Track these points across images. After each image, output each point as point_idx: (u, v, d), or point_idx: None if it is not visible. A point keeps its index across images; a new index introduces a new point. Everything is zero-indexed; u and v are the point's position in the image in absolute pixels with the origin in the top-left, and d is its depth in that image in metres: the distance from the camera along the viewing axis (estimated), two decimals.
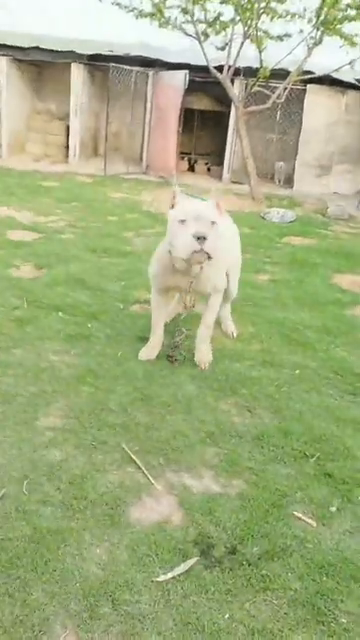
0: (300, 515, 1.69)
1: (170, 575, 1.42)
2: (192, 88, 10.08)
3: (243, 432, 2.11)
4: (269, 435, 2.09)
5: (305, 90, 10.00)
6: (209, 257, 2.20)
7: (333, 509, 1.73)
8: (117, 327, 3.00)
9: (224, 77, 7.96)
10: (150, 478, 1.80)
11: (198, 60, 9.00)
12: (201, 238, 2.14)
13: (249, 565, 1.48)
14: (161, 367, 2.58)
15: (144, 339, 2.81)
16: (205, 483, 1.82)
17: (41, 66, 11.69)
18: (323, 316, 3.56)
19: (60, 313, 3.13)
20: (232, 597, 1.38)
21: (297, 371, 2.71)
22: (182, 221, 2.21)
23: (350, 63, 7.65)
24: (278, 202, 8.32)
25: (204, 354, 2.66)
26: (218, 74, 8.00)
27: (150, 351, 2.68)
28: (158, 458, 1.91)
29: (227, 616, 1.33)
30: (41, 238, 4.90)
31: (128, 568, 1.44)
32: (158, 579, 1.41)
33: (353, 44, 7.46)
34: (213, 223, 2.23)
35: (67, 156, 10.97)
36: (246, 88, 8.72)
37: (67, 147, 11.04)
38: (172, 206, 2.34)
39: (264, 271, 4.55)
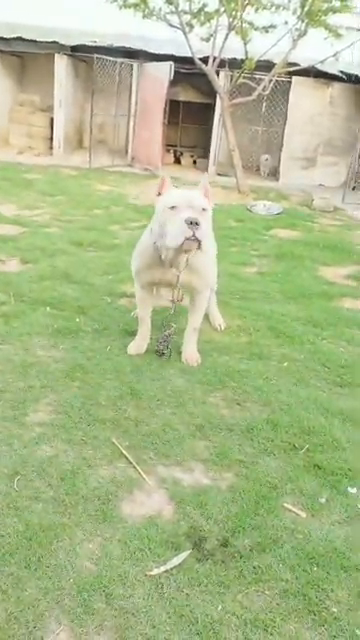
0: (290, 507, 1.71)
1: (163, 569, 1.42)
2: (177, 80, 9.99)
3: (232, 425, 2.12)
4: (258, 428, 2.10)
5: (290, 82, 9.99)
6: (199, 245, 2.16)
7: (322, 500, 1.75)
8: (105, 321, 2.98)
9: (209, 68, 7.91)
10: (141, 473, 1.80)
11: (183, 51, 8.92)
12: (194, 223, 2.09)
13: (241, 557, 1.49)
14: (150, 361, 2.58)
15: (132, 333, 2.80)
16: (196, 476, 1.82)
17: (23, 57, 11.46)
18: (310, 308, 3.59)
19: (47, 308, 3.10)
20: (225, 589, 1.40)
21: (285, 363, 2.73)
22: (173, 207, 2.16)
23: (335, 55, 7.66)
24: (264, 194, 8.34)
25: (191, 354, 2.64)
26: (203, 65, 7.95)
27: (138, 345, 2.67)
28: (148, 452, 1.91)
29: (220, 608, 1.34)
30: (26, 232, 4.83)
31: (121, 562, 1.44)
32: (151, 573, 1.41)
33: (338, 36, 7.47)
34: (204, 210, 2.20)
35: (51, 148, 10.81)
36: (231, 80, 8.68)
37: (51, 139, 10.87)
38: (159, 194, 2.31)
39: (251, 264, 4.56)
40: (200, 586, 1.40)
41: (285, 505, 1.71)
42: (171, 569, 1.43)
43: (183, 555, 1.47)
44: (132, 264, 2.62)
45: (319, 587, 1.43)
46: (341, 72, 9.87)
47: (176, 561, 1.45)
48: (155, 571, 1.41)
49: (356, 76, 9.97)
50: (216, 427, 2.10)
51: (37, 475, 1.73)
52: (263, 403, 2.31)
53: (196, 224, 2.09)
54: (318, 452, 2.00)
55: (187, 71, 10.10)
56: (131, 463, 1.84)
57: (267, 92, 8.25)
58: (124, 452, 1.89)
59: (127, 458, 1.86)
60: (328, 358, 2.83)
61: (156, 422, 2.09)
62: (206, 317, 3.17)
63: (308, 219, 6.89)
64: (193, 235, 2.11)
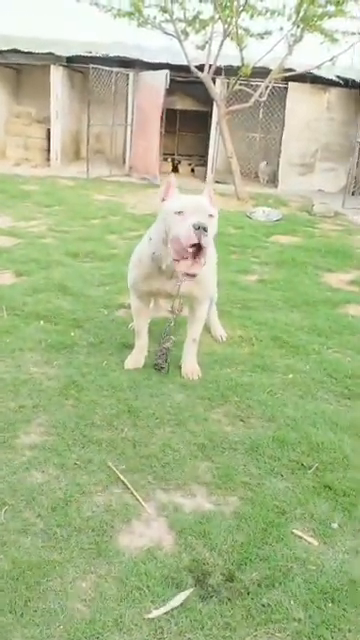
0: (300, 533, 1.58)
1: (163, 610, 1.29)
2: (174, 88, 9.98)
3: (236, 443, 2.00)
4: (264, 446, 1.98)
5: (287, 88, 9.96)
6: (204, 253, 2.01)
7: (335, 525, 1.62)
8: (101, 334, 2.87)
9: (205, 75, 7.87)
10: (139, 499, 1.67)
11: (178, 60, 8.91)
12: (201, 229, 1.97)
13: (248, 594, 1.36)
14: (148, 376, 2.46)
15: (130, 346, 2.69)
16: (198, 502, 1.70)
17: (19, 69, 11.49)
18: (314, 316, 3.47)
19: (41, 322, 2.99)
20: (231, 632, 1.26)
21: (290, 375, 2.61)
22: (179, 212, 2.04)
23: (331, 59, 7.62)
24: (263, 201, 8.26)
25: (192, 368, 2.52)
26: (199, 72, 7.91)
27: (136, 359, 2.56)
28: (147, 476, 1.79)
29: None
30: (21, 243, 4.74)
31: (117, 604, 1.31)
32: (150, 615, 1.28)
33: (333, 40, 7.43)
34: (211, 216, 2.08)
35: (48, 160, 10.79)
36: (228, 87, 8.65)
37: (48, 151, 10.85)
38: (163, 199, 2.20)
39: (252, 271, 4.45)
40: (204, 629, 1.27)
41: (295, 532, 1.58)
42: (172, 610, 1.30)
43: (185, 594, 1.34)
44: (129, 275, 2.51)
45: (335, 627, 1.29)
46: (338, 77, 9.84)
47: (177, 601, 1.32)
48: (154, 613, 1.28)
49: (353, 81, 9.94)
50: (219, 446, 1.97)
51: (26, 505, 1.61)
52: (268, 418, 2.19)
53: (204, 229, 1.97)
54: (328, 471, 1.87)
55: (183, 79, 10.09)
56: (128, 489, 1.72)
57: (264, 98, 8.20)
58: (121, 476, 1.76)
59: (124, 483, 1.74)
60: (335, 368, 2.71)
61: (155, 442, 1.96)
62: (206, 328, 3.06)
63: (309, 225, 6.79)
64: (199, 241, 1.97)
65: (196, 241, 1.97)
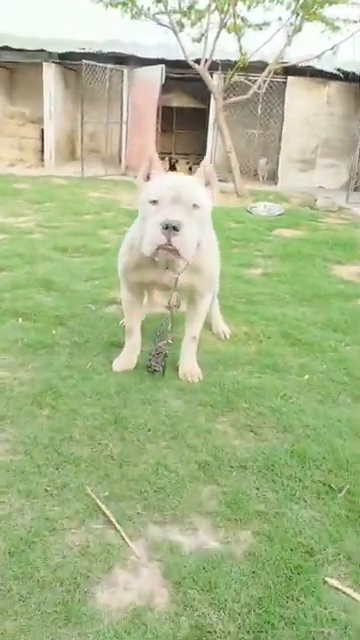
0: (336, 583, 1.21)
1: None
2: (170, 86, 9.67)
3: (247, 461, 1.62)
4: (281, 463, 1.61)
5: (286, 83, 9.66)
6: (178, 255, 1.68)
7: None
8: (87, 333, 2.50)
9: (202, 68, 7.56)
10: (125, 537, 1.30)
11: (174, 56, 8.61)
12: (170, 228, 1.62)
13: None
14: (140, 379, 2.09)
15: (119, 345, 2.32)
16: (200, 539, 1.32)
17: (12, 69, 11.22)
18: (327, 310, 3.11)
19: (19, 319, 2.62)
20: None
21: (305, 376, 2.24)
22: (154, 202, 1.69)
23: (332, 48, 7.31)
24: (264, 197, 7.92)
25: (191, 368, 2.15)
26: (195, 65, 7.60)
27: (126, 360, 2.19)
28: (135, 505, 1.41)
29: None
30: (6, 239, 4.38)
31: None
32: None
33: (335, 28, 7.12)
34: (195, 207, 1.71)
35: (43, 160, 10.48)
36: (225, 81, 8.32)
37: (42, 151, 10.56)
38: (147, 178, 1.83)
39: (256, 265, 4.10)
40: None
41: (328, 581, 1.21)
42: None
43: None
44: (119, 262, 2.15)
45: None
46: (338, 70, 9.53)
47: None
48: None
49: (353, 74, 9.63)
50: (225, 465, 1.60)
51: None
52: (283, 428, 1.82)
53: (174, 229, 1.61)
54: None
55: (180, 76, 9.79)
56: (111, 523, 1.34)
57: (262, 91, 7.88)
58: (102, 506, 1.39)
59: (106, 515, 1.36)
60: (356, 367, 2.34)
61: (146, 461, 1.59)
62: (207, 324, 2.69)
63: (312, 219, 6.45)
64: (168, 243, 1.64)
65: (163, 242, 1.63)
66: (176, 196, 1.67)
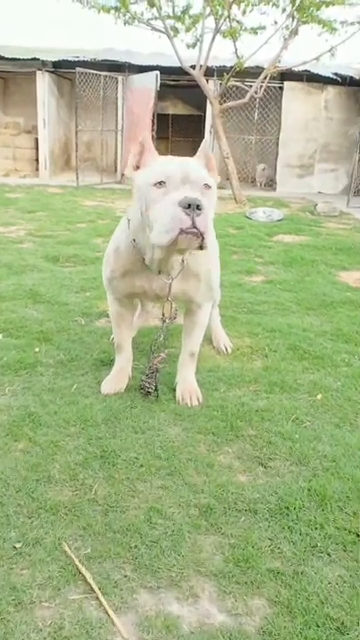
0: None
1: None
2: (165, 93, 9.56)
3: (256, 502, 1.37)
4: (297, 505, 1.35)
5: (282, 88, 9.54)
6: (202, 240, 1.40)
7: None
8: (74, 350, 2.26)
9: (197, 73, 7.40)
10: (109, 611, 1.05)
11: (169, 63, 8.48)
12: (193, 207, 1.35)
13: None
14: (131, 403, 1.84)
15: (109, 364, 2.08)
16: (203, 610, 1.07)
17: (6, 78, 11.11)
18: (335, 320, 2.87)
19: (0, 336, 2.38)
20: None
21: (318, 396, 1.99)
22: (160, 183, 1.42)
23: (330, 50, 7.15)
24: (262, 203, 7.74)
25: (189, 389, 1.90)
26: (191, 70, 7.44)
27: (116, 381, 1.94)
28: (123, 566, 1.16)
29: None
30: None
31: None
32: None
33: (333, 30, 6.97)
34: (206, 187, 1.45)
35: (38, 170, 10.34)
36: (221, 85, 8.18)
37: (37, 160, 10.42)
38: (137, 167, 1.57)
39: (257, 272, 3.87)
40: None
41: None
42: None
43: None
44: (103, 271, 1.91)
45: None
46: (335, 74, 9.41)
47: None
48: None
49: (351, 78, 9.51)
50: (232, 508, 1.35)
51: None
52: (298, 460, 1.57)
53: (197, 207, 1.35)
54: None
55: (175, 83, 9.66)
56: (92, 591, 1.09)
57: (259, 95, 7.72)
58: (82, 570, 1.14)
59: (87, 581, 1.11)
60: None
61: (137, 505, 1.34)
62: (206, 337, 2.45)
63: (313, 224, 6.24)
64: (192, 226, 1.36)
65: (188, 225, 1.36)
66: (186, 176, 1.42)
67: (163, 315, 1.88)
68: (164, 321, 1.89)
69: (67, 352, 2.22)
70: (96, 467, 1.48)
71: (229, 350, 2.38)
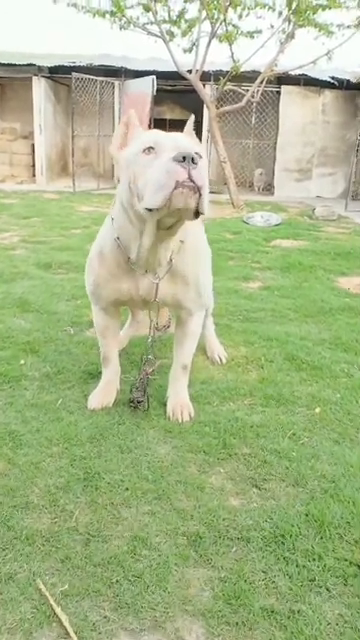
0: None
1: None
2: (162, 98, 9.51)
3: (250, 530, 1.27)
4: (293, 532, 1.26)
5: (279, 92, 9.50)
6: (200, 198, 1.28)
7: None
8: (61, 361, 2.16)
9: (194, 76, 7.35)
10: None
11: (165, 67, 8.44)
12: (188, 159, 1.25)
13: None
14: (119, 419, 1.75)
15: (98, 376, 1.99)
16: None
17: (3, 84, 11.08)
18: (334, 328, 2.78)
19: None
20: None
21: (317, 409, 1.90)
22: (149, 149, 1.34)
23: (327, 54, 7.11)
24: (260, 208, 7.66)
25: (181, 404, 1.80)
26: (187, 75, 7.39)
27: (104, 395, 1.85)
28: (103, 604, 1.06)
29: None
30: None
31: None
32: None
33: (329, 33, 6.93)
34: (198, 155, 1.33)
35: (35, 175, 10.29)
36: (217, 89, 8.13)
37: (34, 166, 10.36)
38: (122, 147, 1.47)
39: (253, 278, 3.78)
40: None
41: None
42: None
43: None
44: (87, 277, 1.81)
45: None
46: (332, 78, 9.37)
47: None
48: None
49: (348, 81, 9.47)
50: (223, 536, 1.25)
51: None
52: (294, 481, 1.47)
53: (192, 161, 1.25)
54: None
55: (171, 87, 9.62)
56: (68, 635, 0.99)
57: (256, 99, 7.67)
58: (57, 610, 1.03)
59: (62, 623, 1.01)
60: None
61: (121, 534, 1.24)
62: (200, 347, 2.36)
63: (312, 228, 6.17)
64: (189, 178, 1.25)
65: (184, 177, 1.25)
66: (176, 143, 1.32)
67: (156, 323, 1.79)
68: (157, 329, 1.80)
69: (54, 364, 2.13)
70: (78, 491, 1.38)
71: (224, 360, 2.28)
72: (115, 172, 10.35)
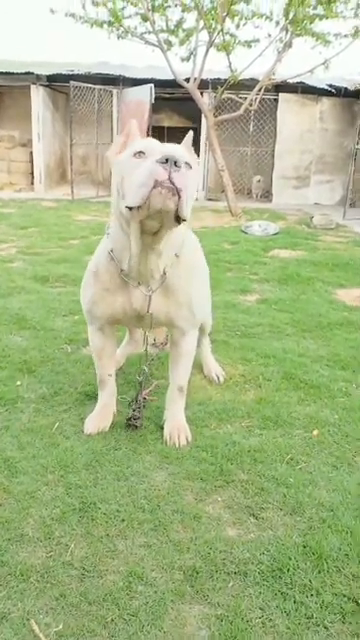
0: None
1: None
2: (160, 106, 9.54)
3: (247, 563, 1.26)
4: (291, 566, 1.24)
5: (277, 100, 9.55)
6: (178, 199, 1.30)
7: None
8: (58, 382, 2.15)
9: (192, 85, 7.38)
10: None
11: (163, 75, 8.48)
12: (170, 162, 1.28)
13: None
14: (115, 444, 1.73)
15: (95, 397, 1.98)
16: None
17: (1, 92, 11.12)
18: (332, 343, 2.77)
19: None
20: None
21: (314, 431, 1.89)
22: (139, 153, 1.37)
23: (324, 63, 7.14)
24: (258, 216, 7.68)
25: (178, 427, 1.79)
26: (185, 83, 7.43)
27: (100, 419, 1.83)
28: None
29: None
30: None
31: None
32: None
33: (326, 42, 6.96)
34: (187, 165, 1.37)
35: (33, 183, 10.30)
36: (215, 98, 8.17)
37: (33, 174, 10.38)
38: (119, 154, 1.48)
39: (252, 290, 3.78)
40: None
41: None
42: None
43: None
44: (83, 296, 1.81)
45: None
46: (329, 86, 9.42)
47: None
48: None
49: (345, 89, 9.52)
50: (219, 570, 1.24)
51: None
52: (292, 509, 1.46)
53: (175, 164, 1.28)
54: None
55: (169, 95, 9.66)
56: None
57: (254, 107, 7.70)
58: None
59: None
60: None
61: (117, 568, 1.23)
62: (198, 365, 2.36)
63: (310, 237, 6.17)
64: (169, 179, 1.28)
65: (164, 177, 1.28)
66: (167, 153, 1.32)
67: (154, 339, 1.80)
68: (155, 345, 1.81)
69: (50, 385, 2.12)
70: (74, 522, 1.36)
71: (222, 379, 2.27)
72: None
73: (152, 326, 1.71)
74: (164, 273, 1.60)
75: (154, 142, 1.42)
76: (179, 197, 1.29)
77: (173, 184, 1.28)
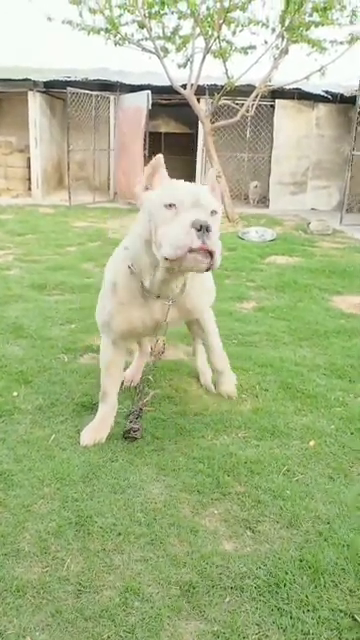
0: None
1: None
2: (157, 112, 9.59)
3: (244, 577, 1.26)
4: (288, 580, 1.24)
5: (274, 106, 9.60)
6: (211, 261, 1.43)
7: None
8: (54, 393, 2.15)
9: (188, 92, 7.42)
10: None
11: (160, 82, 8.53)
12: (204, 229, 1.39)
13: None
14: (112, 456, 1.73)
15: (91, 408, 1.98)
16: None
17: None
18: (329, 352, 2.78)
19: None
20: None
21: (311, 442, 1.89)
22: (171, 205, 1.45)
23: (320, 69, 7.19)
24: (255, 221, 7.71)
25: (230, 384, 2.19)
26: (182, 90, 7.47)
27: (97, 431, 1.83)
28: None
29: None
30: None
31: None
32: None
33: (322, 49, 7.01)
34: (214, 213, 1.49)
35: (31, 189, 10.32)
36: (212, 104, 8.21)
37: (30, 180, 10.40)
38: (147, 188, 1.56)
39: (248, 298, 3.78)
40: None
41: None
42: None
43: None
44: (98, 310, 1.85)
45: None
46: (326, 92, 9.48)
47: None
48: None
49: (341, 95, 9.59)
50: (216, 585, 1.24)
51: None
52: (288, 522, 1.46)
53: (207, 230, 1.40)
54: None
55: (166, 102, 9.71)
56: None
57: (251, 114, 7.74)
58: None
59: None
60: None
61: (113, 584, 1.22)
62: (195, 376, 2.37)
63: (307, 244, 6.19)
64: (203, 246, 1.40)
65: (198, 245, 1.39)
66: (196, 200, 1.46)
67: (152, 347, 1.84)
68: (154, 353, 1.84)
69: (47, 396, 2.12)
70: (70, 536, 1.36)
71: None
72: (111, 185, 10.39)
73: (166, 332, 1.78)
74: (184, 284, 1.71)
75: (181, 190, 1.49)
76: (212, 257, 1.42)
77: (207, 247, 1.40)
